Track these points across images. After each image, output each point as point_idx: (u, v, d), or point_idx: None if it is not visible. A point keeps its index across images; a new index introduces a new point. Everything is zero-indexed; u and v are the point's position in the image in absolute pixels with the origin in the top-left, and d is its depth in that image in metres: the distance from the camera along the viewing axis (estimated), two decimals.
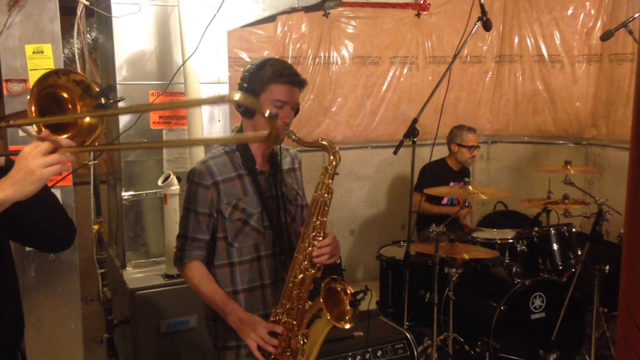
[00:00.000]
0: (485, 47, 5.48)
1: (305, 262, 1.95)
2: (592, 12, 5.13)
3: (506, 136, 5.67)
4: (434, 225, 3.34)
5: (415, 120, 3.07)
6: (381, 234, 5.29)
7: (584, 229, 4.74)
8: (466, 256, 3.49)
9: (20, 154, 1.40)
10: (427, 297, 3.48)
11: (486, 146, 5.72)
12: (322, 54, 4.90)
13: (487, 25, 3.00)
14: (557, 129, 5.44)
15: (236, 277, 2.08)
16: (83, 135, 1.58)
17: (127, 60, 2.95)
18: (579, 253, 3.69)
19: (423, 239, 4.30)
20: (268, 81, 1.99)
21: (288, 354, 1.95)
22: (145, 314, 2.84)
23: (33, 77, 2.47)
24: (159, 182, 2.94)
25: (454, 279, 3.44)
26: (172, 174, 2.92)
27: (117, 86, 2.94)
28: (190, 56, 2.83)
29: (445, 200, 4.46)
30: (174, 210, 2.89)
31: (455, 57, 3.09)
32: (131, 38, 2.94)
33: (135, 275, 3.00)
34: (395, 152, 3.09)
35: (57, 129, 1.54)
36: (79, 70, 2.83)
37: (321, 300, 1.87)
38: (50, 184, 2.47)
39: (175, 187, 2.90)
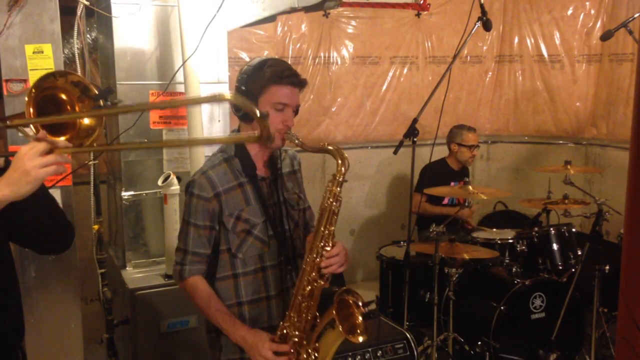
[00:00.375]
0: (485, 47, 5.48)
1: (314, 274, 1.88)
2: (592, 12, 5.13)
3: (506, 136, 5.67)
4: (434, 225, 3.35)
5: (415, 120, 3.07)
6: (381, 234, 5.29)
7: (584, 229, 4.73)
8: (466, 256, 3.49)
9: (17, 155, 1.40)
10: (427, 297, 3.48)
11: (486, 146, 5.72)
12: (322, 54, 4.89)
13: (487, 25, 3.00)
14: (557, 128, 5.44)
15: (240, 289, 2.01)
16: (81, 137, 1.58)
17: (127, 60, 2.95)
18: (579, 253, 3.69)
19: (423, 239, 4.30)
20: (268, 83, 1.91)
21: None
22: (145, 314, 2.84)
23: (33, 77, 2.47)
24: (159, 182, 2.94)
25: (454, 279, 3.44)
26: (172, 174, 2.92)
27: (117, 86, 2.94)
28: (190, 56, 2.83)
29: (445, 201, 4.46)
30: (174, 210, 2.89)
31: (455, 57, 3.09)
32: (131, 38, 2.94)
33: (135, 275, 3.00)
34: (395, 152, 3.09)
35: (55, 130, 1.54)
36: (78, 70, 2.83)
37: (334, 311, 1.80)
38: (50, 184, 2.48)
39: (175, 187, 2.90)
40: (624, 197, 1.46)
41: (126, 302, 2.90)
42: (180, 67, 2.91)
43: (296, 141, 1.94)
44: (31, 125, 1.54)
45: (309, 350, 1.90)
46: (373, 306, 1.81)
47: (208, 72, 3.07)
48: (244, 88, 1.94)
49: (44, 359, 2.64)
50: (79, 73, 2.84)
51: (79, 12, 2.79)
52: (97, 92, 1.62)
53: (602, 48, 5.09)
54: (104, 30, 3.18)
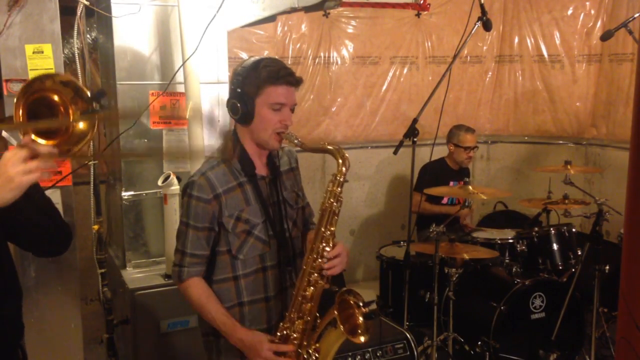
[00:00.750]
0: (485, 47, 5.48)
1: (315, 274, 1.88)
2: (592, 12, 5.13)
3: (506, 136, 5.66)
4: (434, 225, 3.34)
5: (415, 120, 3.07)
6: (381, 234, 5.29)
7: (584, 229, 4.74)
8: (466, 256, 3.49)
9: (0, 161, 1.39)
10: (427, 297, 3.48)
11: (486, 146, 5.72)
12: (322, 54, 4.89)
13: (487, 25, 3.00)
14: (557, 129, 5.44)
15: (241, 290, 2.00)
16: (73, 141, 1.56)
17: (127, 60, 2.95)
18: (579, 253, 3.69)
19: (423, 239, 4.30)
20: (264, 83, 1.89)
21: None
22: (145, 314, 2.83)
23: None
24: (159, 182, 2.94)
25: (454, 279, 3.44)
26: (172, 174, 2.92)
27: (117, 86, 2.93)
28: (190, 56, 2.83)
29: (445, 200, 4.46)
30: (174, 210, 2.89)
31: (455, 57, 3.09)
32: (131, 38, 2.94)
33: (135, 275, 3.00)
34: (395, 152, 3.09)
35: (47, 135, 1.53)
36: (79, 70, 2.83)
37: (335, 311, 1.80)
38: (50, 184, 2.48)
39: (175, 187, 2.90)
40: (624, 197, 1.46)
41: (126, 302, 2.90)
42: (180, 67, 2.91)
43: (295, 141, 1.94)
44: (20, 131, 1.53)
45: (310, 351, 1.89)
46: (374, 306, 1.80)
47: (208, 72, 3.07)
48: (239, 90, 1.93)
49: (44, 359, 2.64)
50: (79, 73, 2.84)
51: (79, 12, 2.79)
52: (89, 95, 1.60)
53: (602, 48, 5.09)
54: (104, 30, 3.18)
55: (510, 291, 3.49)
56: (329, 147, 1.89)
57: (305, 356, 1.89)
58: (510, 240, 3.80)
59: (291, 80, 1.93)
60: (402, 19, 5.10)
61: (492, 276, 3.80)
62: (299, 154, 2.25)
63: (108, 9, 2.87)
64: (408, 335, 2.83)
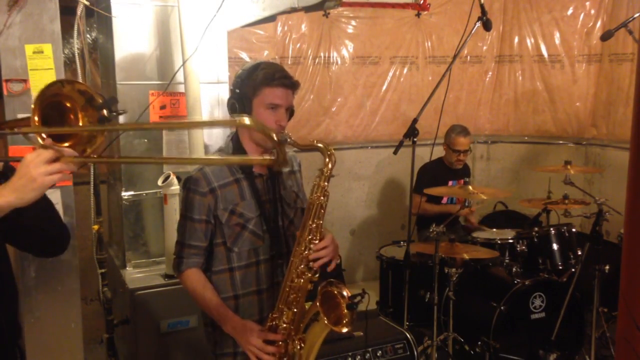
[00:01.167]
0: (485, 47, 5.48)
1: (302, 266, 1.93)
2: (592, 12, 5.13)
3: (506, 136, 5.66)
4: (434, 225, 3.34)
5: (415, 120, 3.06)
6: (381, 234, 5.29)
7: (584, 229, 4.74)
8: (466, 256, 3.49)
9: (23, 161, 1.42)
10: (427, 297, 3.48)
11: (486, 146, 5.72)
12: (322, 54, 4.89)
13: (487, 25, 3.00)
14: (557, 129, 5.43)
15: (236, 282, 2.08)
16: (83, 143, 1.58)
17: (127, 60, 2.95)
18: (579, 253, 3.69)
19: (423, 239, 4.30)
20: (260, 85, 1.99)
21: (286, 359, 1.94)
22: (145, 314, 2.84)
23: (33, 77, 2.47)
24: (159, 182, 2.94)
25: (454, 279, 3.44)
26: (172, 174, 2.92)
27: (117, 86, 2.94)
28: (190, 56, 2.83)
29: (444, 200, 4.47)
30: (174, 210, 2.89)
31: (455, 57, 3.08)
32: (131, 38, 2.94)
33: (135, 275, 3.01)
34: (395, 152, 3.09)
35: (58, 137, 1.55)
36: (78, 70, 2.83)
37: (318, 304, 1.85)
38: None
39: (175, 187, 2.90)
40: (624, 197, 1.46)
41: (126, 302, 2.90)
42: (181, 67, 2.91)
43: (288, 140, 1.97)
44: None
45: (296, 341, 1.94)
46: (358, 298, 1.85)
47: (208, 72, 3.07)
48: (238, 91, 2.03)
49: (44, 359, 2.64)
50: (79, 73, 2.84)
51: (79, 12, 2.79)
52: (100, 102, 1.62)
53: (602, 48, 5.09)
54: (104, 30, 3.18)
55: (510, 291, 3.49)
56: (318, 144, 1.95)
57: (292, 345, 1.94)
58: (510, 240, 3.80)
59: (286, 82, 2.02)
60: (402, 19, 5.10)
61: (492, 276, 3.80)
62: (302, 155, 2.29)
63: (108, 9, 2.87)
64: (408, 335, 2.83)
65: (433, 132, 3.45)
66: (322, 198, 1.94)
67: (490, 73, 5.55)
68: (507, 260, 3.77)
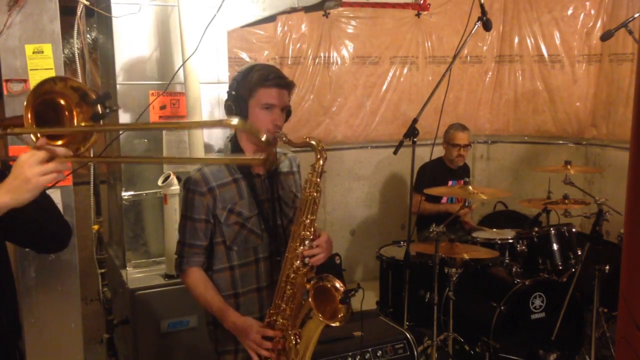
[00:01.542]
0: (485, 47, 5.48)
1: (297, 262, 1.97)
2: (592, 12, 5.12)
3: (506, 136, 5.66)
4: (434, 225, 3.34)
5: (415, 120, 3.06)
6: (381, 234, 5.29)
7: (584, 229, 4.74)
8: (466, 256, 3.49)
9: (17, 162, 1.41)
10: (427, 297, 3.48)
11: (486, 146, 5.72)
12: (322, 54, 4.89)
13: (487, 25, 3.00)
14: (557, 129, 5.43)
15: (236, 280, 2.11)
16: (78, 142, 1.58)
17: (127, 60, 2.95)
18: (579, 253, 3.69)
19: (423, 239, 4.30)
20: (255, 86, 2.02)
21: (283, 356, 1.97)
22: (145, 314, 2.84)
23: (33, 77, 2.47)
24: (159, 182, 2.94)
25: (454, 279, 3.44)
26: (172, 174, 2.92)
27: (117, 86, 2.94)
28: (190, 56, 2.83)
29: (444, 200, 4.47)
30: (174, 210, 2.89)
31: (455, 57, 3.08)
32: (131, 38, 2.94)
33: (135, 275, 3.00)
34: (395, 152, 3.09)
35: (52, 135, 1.54)
36: (79, 70, 2.82)
37: (310, 300, 1.88)
38: (50, 185, 2.47)
39: (175, 187, 2.90)
40: (624, 197, 1.46)
41: (126, 302, 2.90)
42: (180, 67, 2.91)
43: (284, 139, 2.04)
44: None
45: (292, 337, 1.97)
46: (352, 293, 1.89)
47: (208, 72, 3.07)
48: (234, 93, 2.07)
49: (44, 359, 2.64)
50: (79, 73, 2.84)
51: (79, 12, 2.79)
52: (94, 98, 1.61)
53: (602, 48, 5.09)
54: (104, 30, 3.18)
55: (510, 291, 3.49)
56: (310, 141, 2.00)
57: (290, 339, 1.97)
58: (510, 240, 3.80)
59: (281, 83, 2.05)
60: (402, 19, 5.10)
61: (492, 276, 3.80)
62: (302, 154, 2.29)
63: (108, 9, 2.87)
64: (408, 335, 2.83)
65: (433, 132, 3.45)
66: (314, 194, 1.98)
67: (490, 73, 5.55)
68: (507, 260, 3.77)
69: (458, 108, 5.44)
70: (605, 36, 3.52)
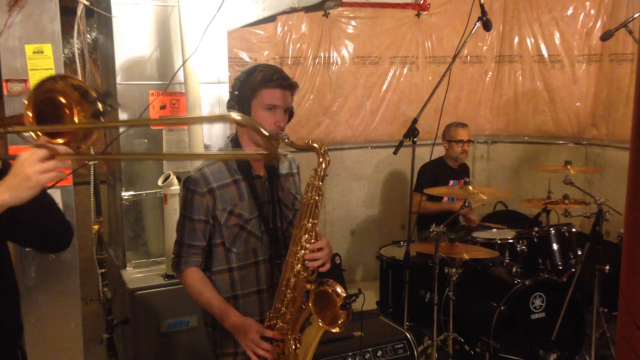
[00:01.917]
0: (485, 47, 5.48)
1: (298, 266, 1.96)
2: (592, 12, 5.12)
3: (506, 136, 5.66)
4: (434, 225, 3.35)
5: (415, 120, 3.07)
6: (381, 234, 5.29)
7: (584, 229, 4.74)
8: (466, 256, 3.49)
9: (17, 160, 1.41)
10: (427, 297, 3.48)
11: (486, 146, 5.72)
12: (322, 54, 4.89)
13: (487, 25, 3.00)
14: (557, 129, 5.43)
15: (236, 283, 2.10)
16: (79, 140, 1.58)
17: (127, 60, 2.95)
18: (579, 253, 3.69)
19: (423, 239, 4.30)
20: (258, 86, 2.00)
21: (283, 358, 1.95)
22: (145, 314, 2.84)
23: (33, 77, 2.47)
24: (159, 182, 2.94)
25: (454, 279, 3.44)
26: (172, 173, 2.92)
27: (117, 86, 2.94)
28: (190, 56, 2.83)
29: (445, 199, 4.47)
30: (174, 210, 2.89)
31: (455, 57, 3.08)
32: (131, 38, 2.94)
33: (135, 275, 3.00)
34: (395, 152, 3.09)
35: (53, 133, 1.54)
36: (79, 70, 2.82)
37: (310, 304, 1.86)
38: (50, 184, 2.47)
39: (175, 187, 2.90)
40: (624, 197, 1.46)
41: (126, 302, 2.90)
42: (180, 67, 2.91)
43: (286, 140, 2.02)
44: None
45: (291, 341, 1.96)
46: (353, 298, 1.85)
47: (208, 72, 3.07)
48: (237, 93, 2.05)
49: (44, 359, 2.64)
50: (79, 73, 2.84)
51: (79, 12, 2.79)
52: (95, 96, 1.61)
53: (602, 48, 5.09)
54: (104, 30, 3.18)
55: (510, 291, 3.49)
56: (313, 144, 1.98)
57: (290, 344, 1.96)
58: (510, 240, 3.80)
59: (284, 83, 2.03)
60: (402, 19, 5.11)
61: (492, 276, 3.80)
62: (302, 155, 2.28)
63: (108, 9, 2.87)
64: (408, 335, 2.83)
65: (433, 132, 3.45)
66: (316, 197, 1.96)
67: (490, 73, 5.55)
68: (507, 260, 3.77)
69: (458, 108, 5.45)
70: (605, 36, 3.52)
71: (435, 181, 4.12)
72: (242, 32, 4.34)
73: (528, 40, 5.39)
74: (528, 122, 5.54)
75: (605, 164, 5.12)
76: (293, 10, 2.79)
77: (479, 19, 2.99)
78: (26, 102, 1.52)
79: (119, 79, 2.94)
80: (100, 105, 1.62)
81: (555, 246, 3.75)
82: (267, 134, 1.35)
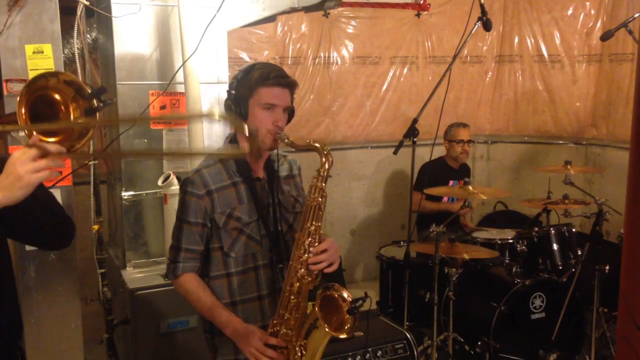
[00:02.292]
0: (485, 47, 5.48)
1: (302, 270, 1.89)
2: (592, 12, 5.13)
3: (506, 136, 5.67)
4: (434, 225, 3.35)
5: (415, 120, 3.07)
6: (381, 234, 5.29)
7: (584, 229, 4.74)
8: (466, 256, 3.49)
9: (9, 159, 1.41)
10: (427, 297, 3.48)
11: (486, 146, 5.72)
12: (322, 54, 4.90)
13: (487, 25, 3.00)
14: (557, 129, 5.43)
15: (234, 288, 2.03)
16: (74, 138, 1.57)
17: (127, 60, 2.95)
18: (579, 253, 3.69)
19: (423, 239, 4.30)
20: (255, 85, 1.95)
21: None
22: (145, 314, 2.83)
23: None
24: (159, 182, 2.94)
25: (454, 279, 3.44)
26: (172, 173, 2.92)
27: (117, 86, 2.94)
28: (190, 56, 2.83)
29: (445, 199, 4.47)
30: (174, 210, 2.85)
31: (455, 57, 3.09)
32: (131, 38, 2.94)
33: (135, 275, 3.00)
34: (395, 152, 3.09)
35: (48, 132, 1.54)
36: (79, 70, 2.83)
37: (316, 309, 1.81)
38: (50, 184, 2.48)
39: (175, 187, 2.89)
40: (624, 197, 1.46)
41: (126, 302, 2.90)
42: (180, 67, 2.91)
43: (286, 140, 1.97)
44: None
45: (296, 348, 1.91)
46: (360, 303, 1.80)
47: (208, 72, 3.07)
48: (234, 92, 1.99)
49: (44, 359, 2.64)
50: (79, 73, 2.84)
51: (79, 12, 2.79)
52: (89, 92, 1.60)
53: (602, 48, 5.09)
54: (104, 31, 3.18)
55: (510, 291, 3.49)
56: (315, 144, 1.93)
57: (295, 350, 1.91)
58: (510, 240, 3.80)
59: (282, 82, 1.98)
60: (402, 19, 5.11)
61: (492, 276, 3.80)
62: (303, 156, 2.26)
63: (108, 9, 2.87)
64: (408, 335, 2.83)
65: (433, 132, 3.45)
66: (320, 199, 1.90)
67: (490, 73, 5.55)
68: (507, 260, 3.77)
69: (458, 108, 5.45)
70: (605, 36, 3.52)
71: (435, 181, 4.13)
72: (242, 32, 4.34)
73: (528, 40, 5.39)
74: (528, 122, 5.54)
75: (605, 164, 5.13)
76: (293, 10, 2.79)
77: (479, 19, 2.99)
78: (18, 100, 1.51)
79: (118, 79, 2.93)
80: (95, 102, 1.61)
81: (555, 246, 3.75)
82: (247, 131, 1.33)
